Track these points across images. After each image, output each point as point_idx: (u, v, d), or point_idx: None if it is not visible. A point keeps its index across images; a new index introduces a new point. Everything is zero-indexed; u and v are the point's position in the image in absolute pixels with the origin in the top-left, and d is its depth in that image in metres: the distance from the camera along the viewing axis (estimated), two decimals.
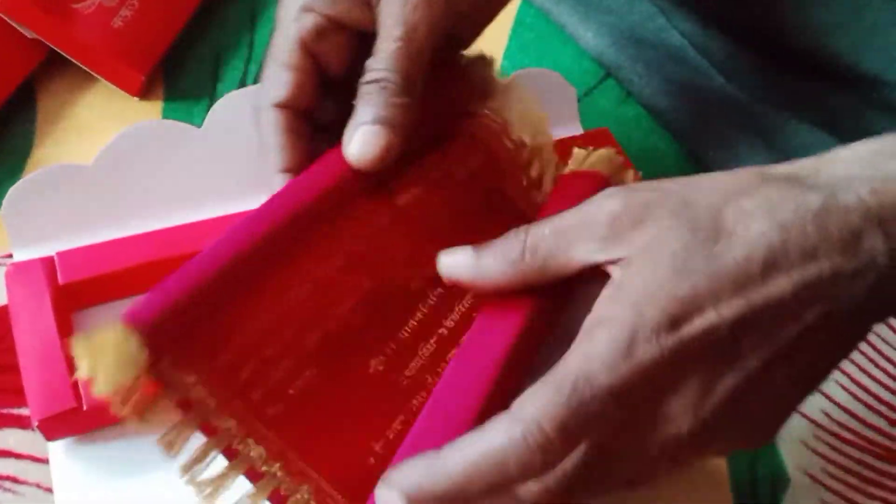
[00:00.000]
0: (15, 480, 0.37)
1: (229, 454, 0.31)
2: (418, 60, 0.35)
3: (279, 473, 0.31)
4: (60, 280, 0.38)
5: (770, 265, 0.28)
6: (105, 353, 0.28)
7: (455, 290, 0.35)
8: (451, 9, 0.36)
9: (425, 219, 0.37)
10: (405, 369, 0.34)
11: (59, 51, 0.47)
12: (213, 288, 0.31)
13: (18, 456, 0.38)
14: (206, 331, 0.31)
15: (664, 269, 0.28)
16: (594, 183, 0.37)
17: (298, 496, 0.31)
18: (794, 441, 0.43)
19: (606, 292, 0.29)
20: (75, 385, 0.35)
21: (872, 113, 0.51)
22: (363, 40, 0.36)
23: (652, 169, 0.50)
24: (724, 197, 0.29)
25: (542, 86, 0.45)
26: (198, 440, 0.30)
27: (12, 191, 0.39)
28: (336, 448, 0.32)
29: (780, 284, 0.28)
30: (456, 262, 0.32)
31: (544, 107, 0.40)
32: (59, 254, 0.39)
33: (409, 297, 0.35)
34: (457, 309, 0.35)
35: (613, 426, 0.28)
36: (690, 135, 0.52)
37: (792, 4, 0.51)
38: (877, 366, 0.45)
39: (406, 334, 0.34)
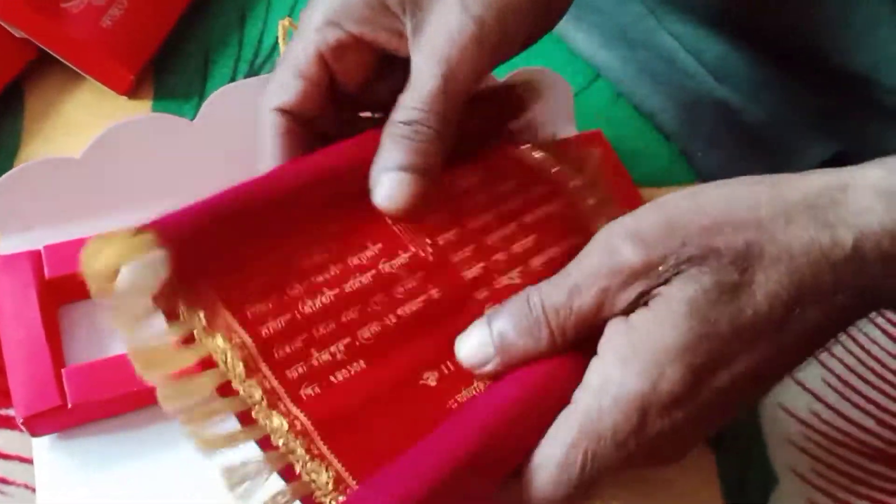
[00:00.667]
0: (3, 481, 0.37)
1: (244, 419, 0.30)
2: (456, 102, 0.34)
3: (299, 450, 0.30)
4: (47, 274, 0.38)
5: (786, 319, 0.28)
6: (122, 248, 0.28)
7: None
8: (501, 50, 0.35)
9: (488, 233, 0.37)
10: (457, 394, 0.33)
11: (47, 50, 0.47)
12: (252, 220, 0.31)
13: (6, 457, 0.38)
14: (243, 266, 0.31)
15: (682, 329, 0.28)
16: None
17: (316, 477, 0.30)
18: (782, 441, 0.43)
19: (618, 345, 0.29)
20: (60, 381, 0.35)
21: (864, 114, 0.51)
22: (384, 60, 0.36)
23: (644, 169, 0.50)
24: (748, 245, 0.29)
25: (539, 84, 0.45)
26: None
27: None
28: (365, 445, 0.31)
29: (794, 330, 0.29)
30: (476, 351, 0.31)
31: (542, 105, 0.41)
32: (46, 247, 0.39)
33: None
34: None
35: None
36: (681, 135, 0.52)
37: (782, 3, 0.51)
38: (865, 365, 0.45)
39: None
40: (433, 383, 0.33)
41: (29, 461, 0.37)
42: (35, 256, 0.39)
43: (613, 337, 0.29)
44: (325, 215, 0.34)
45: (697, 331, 0.28)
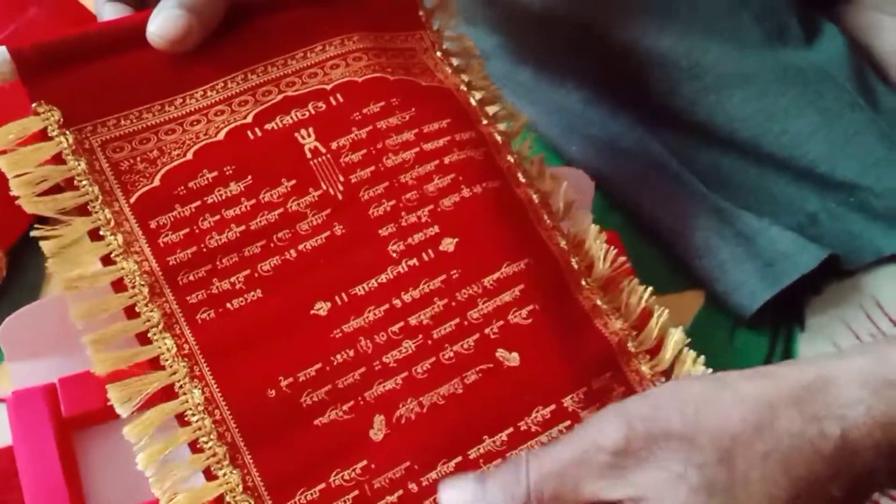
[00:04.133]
0: None
1: (142, 340, 0.34)
2: None
3: (181, 371, 0.34)
4: (64, 412, 0.38)
5: None
6: None
7: (429, 269, 0.37)
8: None
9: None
10: (344, 323, 0.36)
11: None
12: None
13: None
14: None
15: None
16: None
17: (188, 398, 0.33)
18: None
19: None
20: None
21: (852, 216, 0.52)
22: None
23: (642, 276, 0.51)
24: (734, 440, 0.29)
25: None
26: None
27: (9, 320, 0.39)
28: (245, 367, 0.34)
29: None
30: (458, 500, 0.32)
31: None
32: (61, 381, 0.39)
33: (380, 259, 0.37)
34: (422, 287, 0.37)
35: None
36: (676, 243, 0.53)
37: (767, 114, 0.53)
38: None
39: (362, 292, 0.36)
40: (323, 313, 0.36)
41: None
42: (50, 391, 0.39)
43: None
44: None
45: None
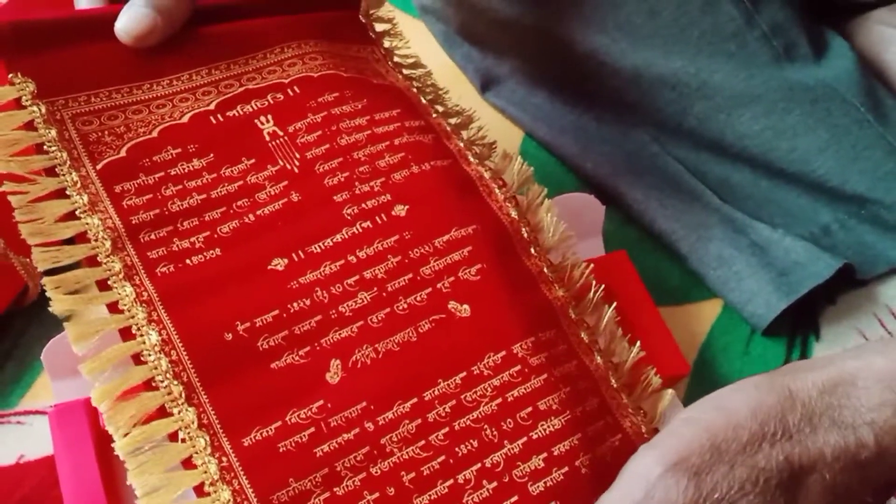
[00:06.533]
0: None
1: (102, 287, 0.36)
2: None
3: (139, 315, 0.35)
4: (103, 424, 0.40)
5: None
6: None
7: (382, 230, 0.39)
8: None
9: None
10: (301, 276, 0.37)
11: None
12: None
13: None
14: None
15: None
16: None
17: (144, 340, 0.35)
18: None
19: None
20: None
21: (864, 228, 0.53)
22: None
23: (655, 290, 0.52)
24: (787, 458, 0.30)
25: (574, 206, 0.49)
26: None
27: (52, 343, 0.41)
28: (202, 312, 0.35)
29: None
30: None
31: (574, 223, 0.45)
32: None
33: (335, 221, 0.39)
34: (375, 245, 0.38)
35: None
36: (691, 255, 0.54)
37: (776, 132, 0.54)
38: None
39: (318, 249, 0.38)
40: (281, 268, 0.37)
41: None
42: (90, 404, 0.40)
43: None
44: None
45: None
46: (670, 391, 0.40)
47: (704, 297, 0.54)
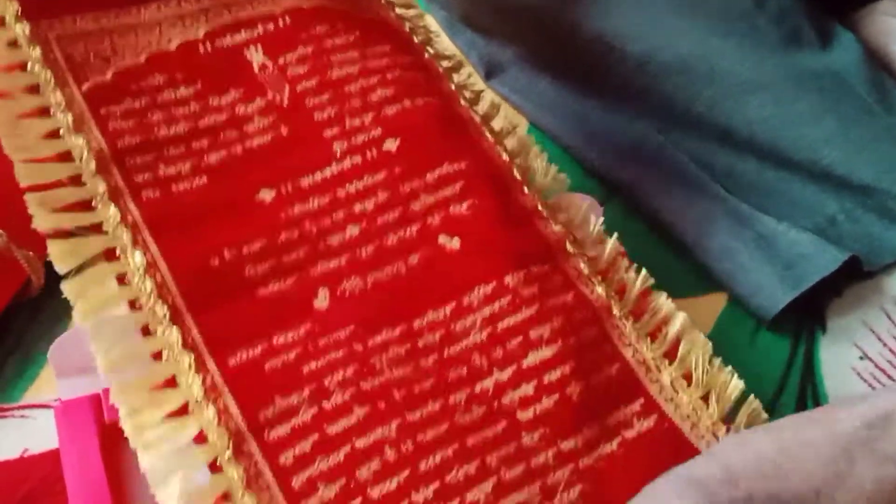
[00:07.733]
0: None
1: (85, 208, 0.35)
2: None
3: (124, 237, 0.35)
4: (107, 418, 0.40)
5: None
6: None
7: (373, 164, 0.39)
8: None
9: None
10: (289, 208, 0.37)
11: None
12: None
13: None
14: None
15: None
16: None
17: (129, 261, 0.34)
18: None
19: None
20: None
21: (871, 219, 0.53)
22: None
23: (663, 281, 0.52)
24: (819, 494, 0.29)
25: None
26: None
27: (57, 342, 0.41)
28: (188, 237, 0.35)
29: None
30: None
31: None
32: (105, 390, 0.40)
33: (324, 156, 0.38)
34: (365, 180, 0.38)
35: None
36: (696, 247, 0.54)
37: (784, 120, 0.53)
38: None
39: (306, 183, 0.38)
40: (268, 200, 0.37)
41: None
42: (95, 400, 0.40)
43: None
44: None
45: None
46: (682, 314, 0.39)
47: (709, 290, 0.54)
